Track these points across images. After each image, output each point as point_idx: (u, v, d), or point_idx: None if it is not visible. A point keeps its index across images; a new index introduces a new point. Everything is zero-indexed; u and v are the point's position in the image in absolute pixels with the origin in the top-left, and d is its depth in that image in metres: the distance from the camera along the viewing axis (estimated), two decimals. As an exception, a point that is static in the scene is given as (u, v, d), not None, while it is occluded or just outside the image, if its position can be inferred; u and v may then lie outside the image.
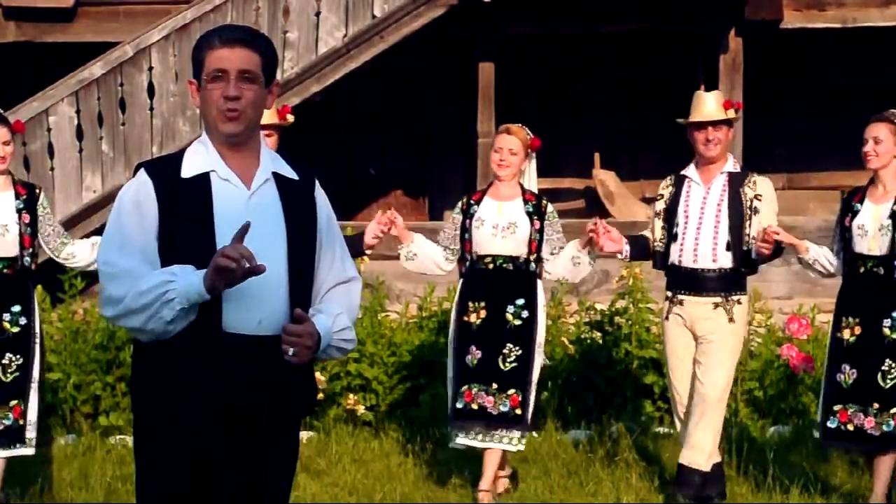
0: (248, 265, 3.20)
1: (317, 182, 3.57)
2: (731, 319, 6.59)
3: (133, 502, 3.53)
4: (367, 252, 6.82)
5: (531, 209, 6.76)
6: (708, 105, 6.65)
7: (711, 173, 6.66)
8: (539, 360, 6.77)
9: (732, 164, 6.74)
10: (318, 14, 11.24)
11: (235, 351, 3.32)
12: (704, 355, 6.59)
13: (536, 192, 6.87)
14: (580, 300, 9.51)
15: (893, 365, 6.32)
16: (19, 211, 6.43)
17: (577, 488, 7.05)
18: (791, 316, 9.07)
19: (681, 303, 6.65)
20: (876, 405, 6.32)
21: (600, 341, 9.03)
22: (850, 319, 6.45)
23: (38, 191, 6.59)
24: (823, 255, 6.56)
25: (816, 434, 6.70)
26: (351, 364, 8.70)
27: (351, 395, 8.66)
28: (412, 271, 6.99)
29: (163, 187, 3.37)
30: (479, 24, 11.67)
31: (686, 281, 6.62)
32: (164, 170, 3.42)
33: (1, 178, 6.48)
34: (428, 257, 6.80)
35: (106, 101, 10.92)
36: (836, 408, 6.43)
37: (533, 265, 6.74)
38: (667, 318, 6.73)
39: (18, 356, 6.39)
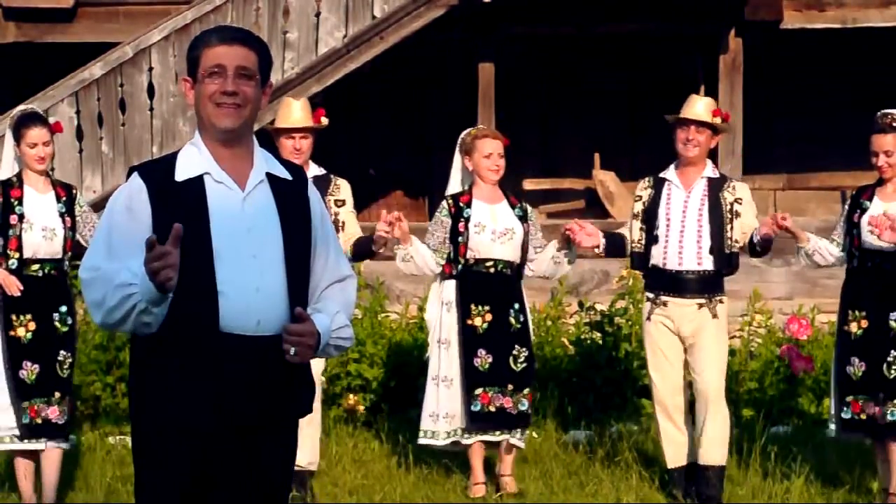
0: (169, 257, 3.14)
1: (310, 181, 3.58)
2: (714, 315, 6.76)
3: (133, 503, 3.53)
4: (379, 250, 6.90)
5: (520, 213, 6.97)
6: (696, 107, 6.81)
7: (691, 177, 6.81)
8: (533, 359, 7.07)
9: (712, 170, 6.93)
10: (318, 14, 11.24)
11: (233, 352, 3.32)
12: (694, 357, 6.79)
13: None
14: (580, 300, 9.51)
15: None
16: (62, 215, 6.53)
17: (577, 489, 7.06)
18: (791, 316, 9.08)
19: (664, 304, 6.77)
20: (881, 395, 6.48)
21: (600, 341, 9.03)
22: (857, 313, 6.61)
23: (74, 191, 6.72)
24: (824, 247, 6.73)
25: (832, 426, 6.78)
26: (351, 364, 8.70)
27: (351, 396, 8.66)
28: (405, 272, 7.13)
29: (156, 192, 3.36)
30: (479, 25, 11.67)
31: (670, 283, 6.77)
32: (157, 174, 3.41)
33: (41, 178, 6.59)
34: (423, 260, 6.90)
35: (106, 101, 10.92)
36: (849, 399, 6.60)
37: (523, 268, 6.98)
38: (648, 318, 6.83)
39: (69, 354, 6.56)
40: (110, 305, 3.25)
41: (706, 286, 6.72)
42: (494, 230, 6.86)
